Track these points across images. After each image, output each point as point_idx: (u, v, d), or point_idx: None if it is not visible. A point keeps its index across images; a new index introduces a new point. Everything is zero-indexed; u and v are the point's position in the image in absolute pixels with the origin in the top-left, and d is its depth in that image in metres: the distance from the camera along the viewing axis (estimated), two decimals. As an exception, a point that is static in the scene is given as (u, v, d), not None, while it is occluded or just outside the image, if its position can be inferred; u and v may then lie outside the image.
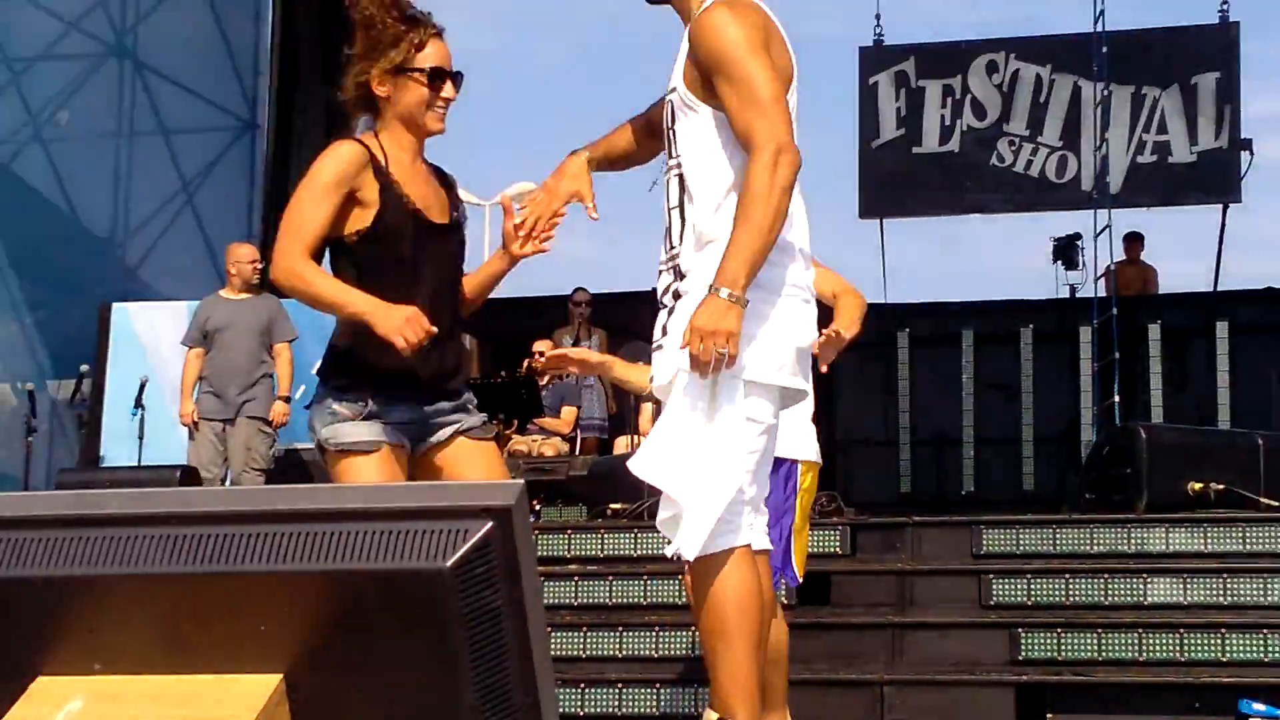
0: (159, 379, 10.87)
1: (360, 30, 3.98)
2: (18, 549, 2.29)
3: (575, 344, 12.02)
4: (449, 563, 2.26)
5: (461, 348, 4.34)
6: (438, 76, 3.98)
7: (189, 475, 8.97)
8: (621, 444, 11.06)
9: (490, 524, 2.28)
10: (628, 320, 12.81)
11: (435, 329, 3.79)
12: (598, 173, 4.03)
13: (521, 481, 2.35)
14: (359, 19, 3.97)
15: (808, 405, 4.53)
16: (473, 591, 2.26)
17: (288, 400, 9.45)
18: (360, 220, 3.95)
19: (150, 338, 11.74)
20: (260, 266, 9.53)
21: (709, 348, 3.45)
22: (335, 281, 3.92)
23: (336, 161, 3.95)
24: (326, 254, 4.02)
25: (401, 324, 3.74)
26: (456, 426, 4.09)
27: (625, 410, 11.36)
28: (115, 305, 12.25)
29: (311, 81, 15.82)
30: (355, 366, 3.96)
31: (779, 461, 4.46)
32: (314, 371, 4.13)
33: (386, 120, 4.04)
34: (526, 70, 65.76)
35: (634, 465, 3.64)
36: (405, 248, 3.96)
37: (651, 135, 3.97)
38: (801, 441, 4.96)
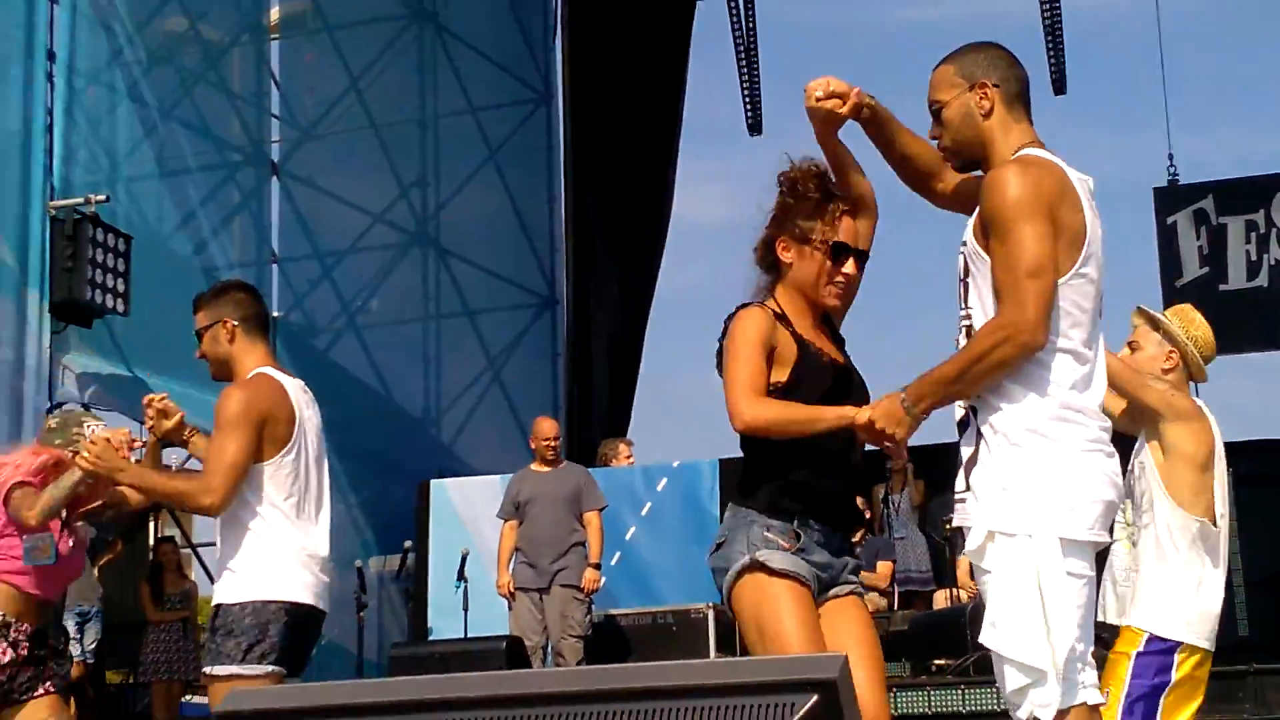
0: (479, 551, 11.20)
1: (782, 193, 4.14)
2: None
3: (886, 499, 11.96)
4: (779, 735, 2.32)
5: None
6: (841, 252, 4.09)
7: (514, 645, 9.19)
8: (941, 598, 10.93)
9: (815, 697, 2.33)
10: (950, 470, 12.66)
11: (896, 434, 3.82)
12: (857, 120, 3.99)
13: (844, 654, 2.40)
14: (783, 182, 4.14)
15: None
16: (804, 763, 2.31)
17: (598, 567, 9.62)
18: (779, 374, 4.05)
19: (468, 511, 12.11)
20: (556, 444, 9.86)
21: (872, 440, 3.80)
22: (795, 404, 4.01)
23: (755, 323, 4.06)
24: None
25: (882, 416, 3.78)
26: (852, 588, 4.13)
27: (942, 562, 11.24)
28: (433, 481, 12.70)
29: (606, 257, 16.33)
30: (789, 493, 4.01)
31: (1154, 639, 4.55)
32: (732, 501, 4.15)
33: (786, 283, 4.15)
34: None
35: (985, 639, 3.66)
36: (822, 394, 4.04)
37: (903, 162, 4.02)
38: (1183, 621, 4.87)
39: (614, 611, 10.04)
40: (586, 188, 16.60)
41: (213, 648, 4.69)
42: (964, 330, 3.78)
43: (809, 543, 4.00)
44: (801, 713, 2.33)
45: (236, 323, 4.96)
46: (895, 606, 11.18)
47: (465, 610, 10.48)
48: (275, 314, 13.99)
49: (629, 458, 12.11)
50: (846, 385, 4.12)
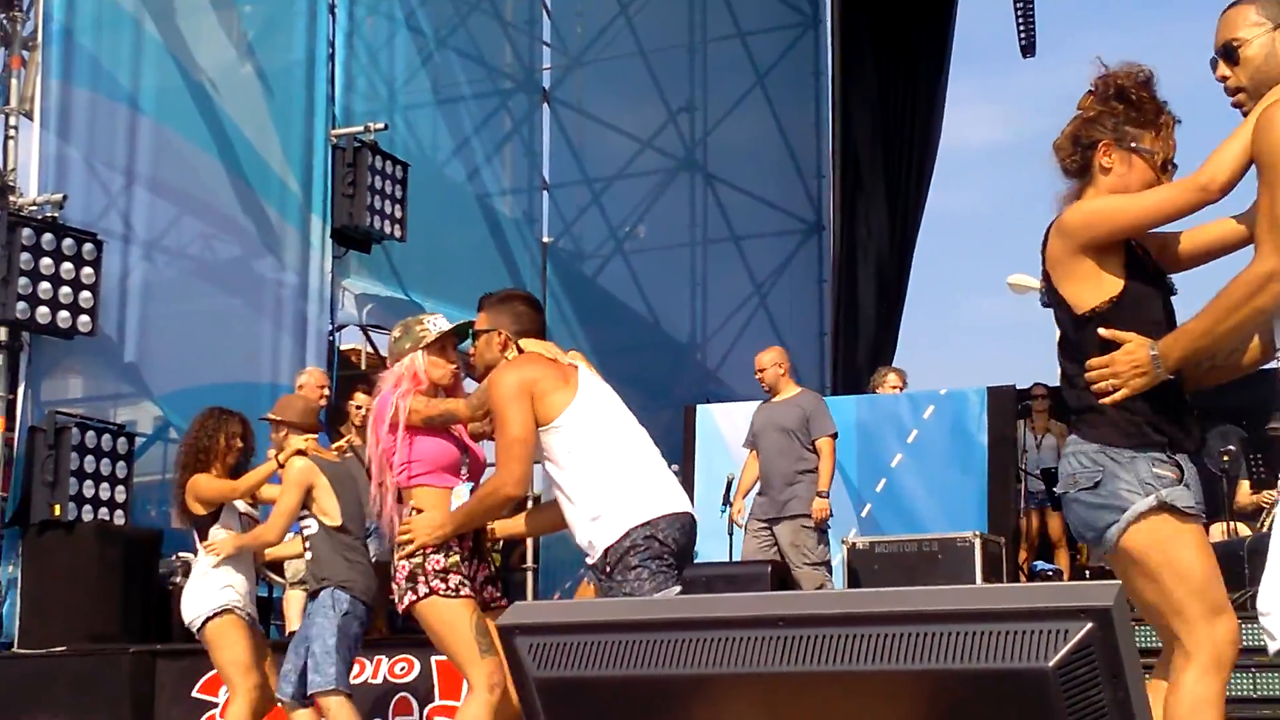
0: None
1: (1107, 96, 3.95)
2: (650, 649, 2.49)
3: (1038, 440, 11.69)
4: (1051, 663, 2.30)
5: None
6: (1169, 168, 3.90)
7: (780, 570, 9.22)
8: (1218, 531, 10.61)
9: (1091, 625, 2.30)
10: (1229, 401, 12.32)
11: None
12: None
13: (1119, 583, 2.36)
14: (1109, 84, 3.93)
15: None
16: (1077, 692, 2.29)
17: (825, 495, 9.38)
18: (1108, 290, 3.83)
19: (733, 437, 12.16)
20: (765, 374, 9.72)
21: (1105, 386, 3.69)
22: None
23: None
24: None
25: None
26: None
27: (1219, 495, 10.91)
28: (699, 407, 12.79)
29: (873, 183, 16.15)
30: (1153, 425, 3.81)
31: None
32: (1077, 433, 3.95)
33: (1099, 190, 3.92)
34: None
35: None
36: (1158, 310, 3.88)
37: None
38: None
39: (879, 539, 10.00)
40: (854, 111, 16.41)
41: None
42: None
43: (1189, 472, 3.83)
44: (1075, 640, 2.30)
45: (511, 336, 5.06)
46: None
47: (730, 535, 10.55)
48: (545, 240, 14.22)
49: (895, 386, 12.01)
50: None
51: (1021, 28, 16.24)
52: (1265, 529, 9.72)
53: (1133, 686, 2.33)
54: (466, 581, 5.19)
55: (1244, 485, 10.63)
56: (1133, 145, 3.88)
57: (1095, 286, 3.80)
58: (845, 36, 16.55)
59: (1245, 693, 7.06)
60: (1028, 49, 16.31)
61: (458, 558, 5.19)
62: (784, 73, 16.71)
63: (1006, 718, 2.33)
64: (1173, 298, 3.93)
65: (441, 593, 5.15)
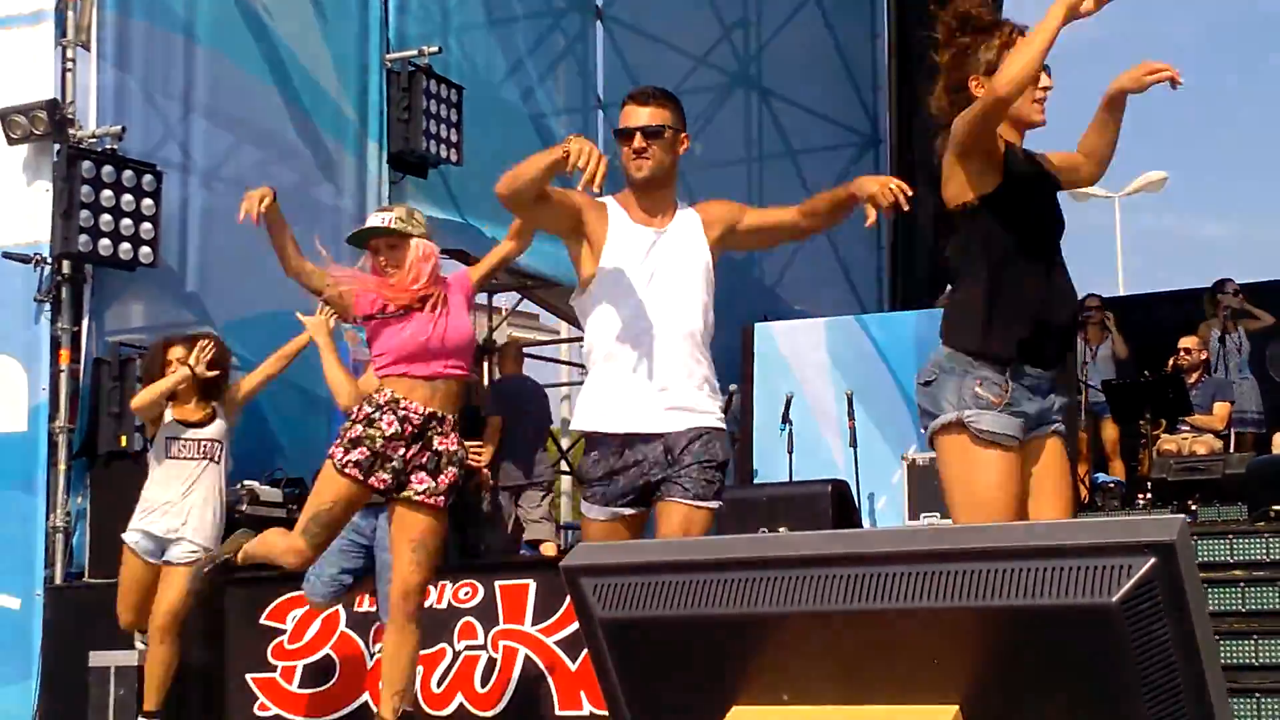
0: (803, 394, 11.28)
1: (952, 34, 4.14)
2: (714, 589, 2.51)
3: (1222, 339, 11.58)
4: (1115, 598, 2.31)
5: None
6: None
7: (839, 488, 9.23)
8: (1278, 441, 10.56)
9: (1154, 559, 2.31)
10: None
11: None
12: None
13: (1183, 516, 2.36)
14: (950, 21, 4.14)
15: None
16: (1141, 626, 2.30)
17: None
18: (986, 184, 4.09)
19: (793, 354, 12.17)
20: None
21: None
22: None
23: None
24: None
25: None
26: (1054, 427, 4.09)
27: (1277, 405, 10.85)
28: (758, 325, 12.78)
29: (929, 95, 15.98)
30: (1003, 337, 4.01)
31: None
32: (938, 333, 4.18)
33: None
34: (1152, 53, 63.50)
35: None
36: (1035, 205, 4.09)
37: None
38: None
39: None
40: (910, 22, 16.24)
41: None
42: None
43: (1018, 395, 3.94)
44: (1138, 575, 2.31)
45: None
46: (1231, 448, 10.88)
47: (790, 454, 10.58)
48: (601, 159, 14.16)
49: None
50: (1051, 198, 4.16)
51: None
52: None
53: (1197, 621, 2.34)
54: (360, 463, 5.41)
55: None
56: (994, 66, 4.04)
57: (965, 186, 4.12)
58: (901, -54, 16.36)
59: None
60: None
61: (376, 433, 5.36)
62: (838, -15, 16.55)
63: (1071, 653, 2.35)
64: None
65: (335, 459, 5.46)
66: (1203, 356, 11.42)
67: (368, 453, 5.45)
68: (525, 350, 13.10)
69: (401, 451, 5.49)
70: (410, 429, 5.50)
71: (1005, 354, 3.99)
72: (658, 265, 4.61)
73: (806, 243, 15.78)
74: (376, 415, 5.50)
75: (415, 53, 10.75)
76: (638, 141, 4.62)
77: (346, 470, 5.44)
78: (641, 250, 4.62)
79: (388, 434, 5.48)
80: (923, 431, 4.13)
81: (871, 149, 16.69)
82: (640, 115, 4.69)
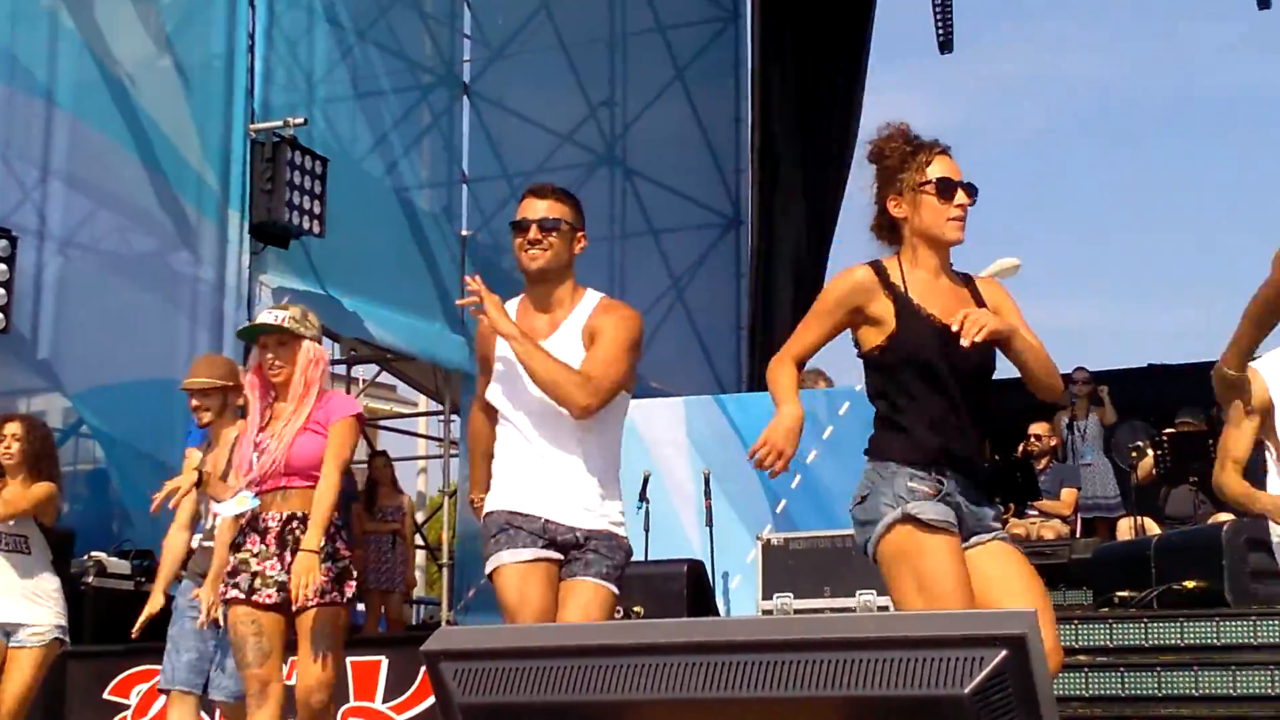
0: (660, 473, 11.31)
1: (875, 167, 4.25)
2: (575, 675, 2.52)
3: (1071, 425, 11.82)
4: (967, 689, 2.35)
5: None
6: (947, 187, 4.15)
7: (695, 569, 9.27)
8: (1125, 527, 10.79)
9: (1005, 652, 2.36)
10: (1135, 397, 12.46)
11: None
12: None
13: (1034, 609, 2.42)
14: (871, 156, 4.25)
15: None
16: (993, 718, 2.34)
17: None
18: (877, 337, 4.13)
19: (650, 433, 12.17)
20: None
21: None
22: (787, 384, 4.20)
23: (841, 284, 4.20)
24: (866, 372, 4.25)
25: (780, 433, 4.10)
26: (997, 533, 4.16)
27: (1127, 490, 11.08)
28: (616, 402, 12.79)
29: (792, 178, 16.25)
30: (925, 446, 4.08)
31: None
32: (864, 452, 4.26)
33: (908, 241, 4.21)
34: (1006, 137, 65.05)
35: None
36: (927, 355, 4.09)
37: None
38: None
39: (793, 535, 10.07)
40: (773, 107, 16.52)
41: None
42: None
43: (950, 486, 4.04)
44: (990, 668, 2.36)
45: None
46: (1078, 534, 11.07)
47: (646, 532, 10.58)
48: (464, 233, 14.19)
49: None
50: (956, 347, 4.02)
51: (940, 25, 16.41)
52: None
53: (1045, 712, 2.39)
54: (235, 585, 5.29)
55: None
56: (907, 188, 4.18)
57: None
58: (765, 31, 16.65)
59: (1225, 691, 7.06)
60: (945, 45, 16.48)
61: (248, 555, 5.31)
62: (703, 67, 16.77)
63: (923, 744, 2.38)
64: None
65: (223, 597, 5.35)
66: (1053, 443, 11.63)
67: (243, 572, 5.31)
68: (381, 423, 13.01)
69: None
70: (269, 539, 5.37)
71: (929, 456, 4.07)
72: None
73: (668, 320, 15.95)
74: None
75: (280, 123, 10.70)
76: (533, 233, 4.70)
77: (228, 595, 5.30)
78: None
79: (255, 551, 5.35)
80: (865, 554, 4.13)
81: (733, 230, 16.90)
82: (538, 208, 4.79)
